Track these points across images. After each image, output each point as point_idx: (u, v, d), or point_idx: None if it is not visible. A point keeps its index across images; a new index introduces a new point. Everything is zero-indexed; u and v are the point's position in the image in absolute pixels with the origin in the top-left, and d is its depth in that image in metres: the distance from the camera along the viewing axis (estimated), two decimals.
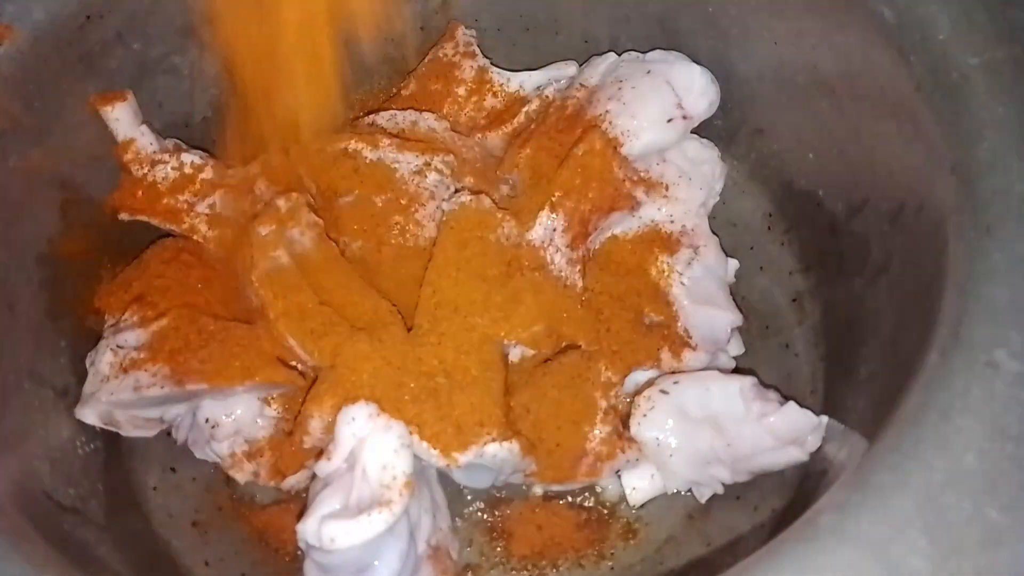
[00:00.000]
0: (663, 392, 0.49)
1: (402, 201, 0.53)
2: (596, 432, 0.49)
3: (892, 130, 0.48)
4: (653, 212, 0.54)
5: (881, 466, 0.36)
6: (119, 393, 0.49)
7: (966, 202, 0.41)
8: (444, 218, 0.51)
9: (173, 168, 0.55)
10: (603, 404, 0.49)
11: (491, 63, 0.61)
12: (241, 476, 0.51)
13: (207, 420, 0.50)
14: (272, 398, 0.51)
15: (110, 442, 0.53)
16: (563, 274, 0.51)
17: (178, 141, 0.57)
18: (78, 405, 0.50)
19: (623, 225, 0.54)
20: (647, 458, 0.50)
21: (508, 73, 0.61)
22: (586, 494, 0.53)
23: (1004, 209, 0.40)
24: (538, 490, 0.53)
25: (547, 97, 0.58)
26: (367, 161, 0.53)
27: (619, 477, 0.51)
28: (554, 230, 0.51)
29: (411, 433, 0.45)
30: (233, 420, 0.50)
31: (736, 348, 0.54)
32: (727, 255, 0.55)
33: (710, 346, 0.52)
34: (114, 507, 0.51)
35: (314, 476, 0.46)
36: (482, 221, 0.51)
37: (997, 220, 0.40)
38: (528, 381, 0.49)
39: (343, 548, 0.41)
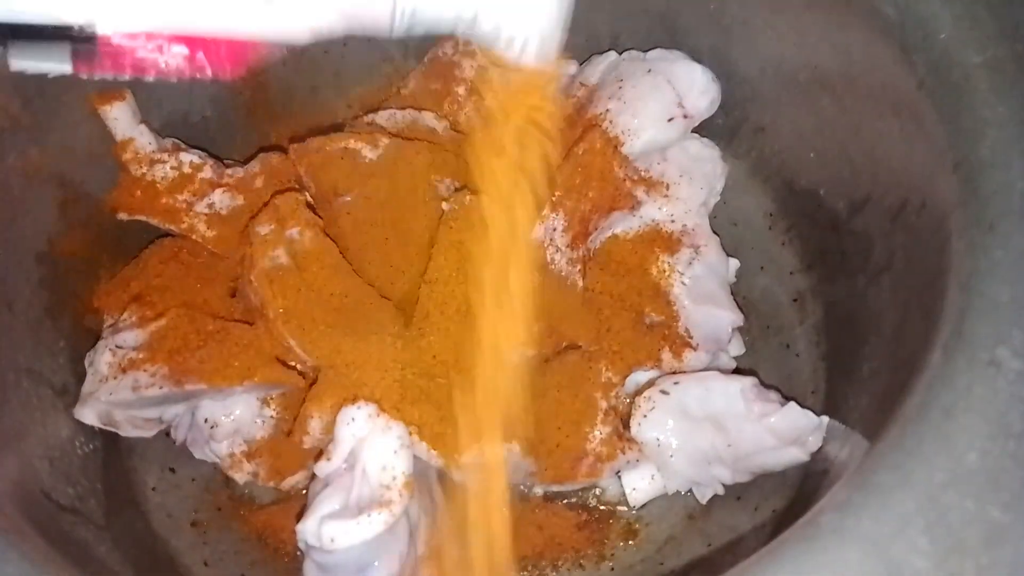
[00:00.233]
0: (664, 392, 0.48)
1: (402, 200, 0.53)
2: (596, 432, 0.49)
3: (894, 128, 0.48)
4: (654, 211, 0.54)
5: (883, 465, 0.36)
6: (118, 393, 0.49)
7: (968, 200, 0.41)
8: (444, 218, 0.51)
9: (172, 167, 0.55)
10: (603, 404, 0.49)
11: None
12: (240, 476, 0.51)
13: (206, 420, 0.50)
14: (271, 398, 0.51)
15: (109, 442, 0.53)
16: (563, 274, 0.51)
17: (177, 140, 0.57)
18: (77, 405, 0.50)
19: (624, 224, 0.53)
20: (647, 458, 0.49)
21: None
22: (586, 494, 0.53)
23: (1006, 207, 0.40)
24: (538, 490, 0.52)
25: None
26: (366, 160, 0.53)
27: (619, 477, 0.51)
28: (554, 229, 0.51)
29: (411, 433, 0.45)
30: (232, 420, 0.50)
31: (737, 348, 0.54)
32: (728, 254, 0.55)
33: (711, 346, 0.51)
34: (113, 507, 0.51)
35: (314, 476, 0.46)
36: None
37: (999, 218, 0.40)
38: (528, 381, 0.49)
39: (343, 548, 0.41)
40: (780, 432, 0.47)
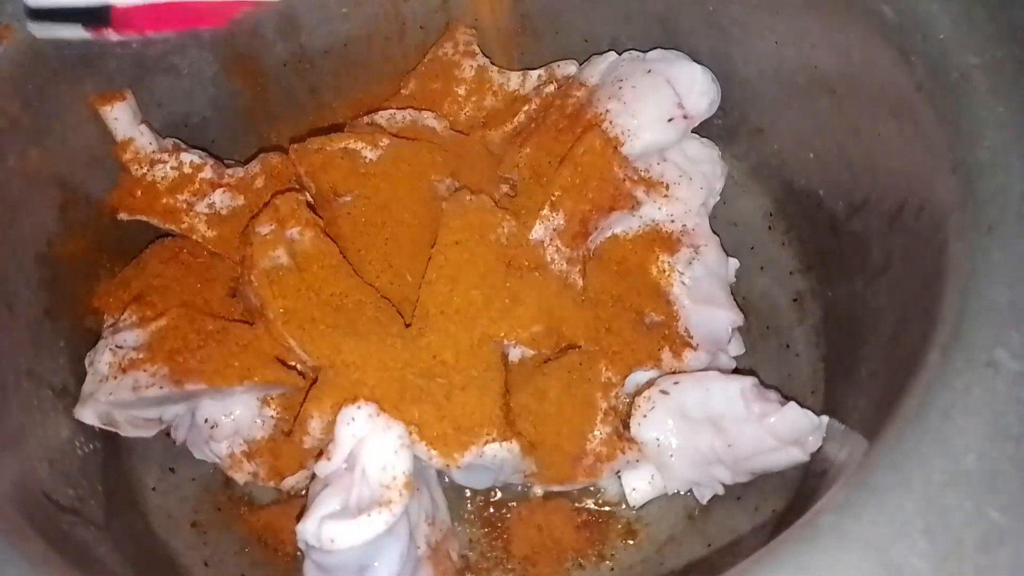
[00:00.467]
0: (663, 392, 0.48)
1: (402, 201, 0.53)
2: (596, 433, 0.49)
3: (893, 129, 0.48)
4: (653, 212, 0.54)
5: (882, 466, 0.36)
6: (118, 393, 0.49)
7: (967, 201, 0.41)
8: (444, 217, 0.51)
9: (172, 168, 0.55)
10: (603, 405, 0.49)
11: (491, 62, 0.61)
12: (240, 476, 0.51)
13: (206, 420, 0.50)
14: (271, 398, 0.51)
15: (109, 442, 0.53)
16: (563, 274, 0.51)
17: (177, 140, 0.57)
18: (77, 405, 0.50)
19: (623, 225, 0.53)
20: (647, 459, 0.49)
21: (508, 72, 0.61)
22: (586, 494, 0.53)
23: (1005, 208, 0.40)
24: (538, 490, 0.52)
25: (547, 96, 0.58)
26: (366, 160, 0.53)
27: (619, 478, 0.51)
28: (554, 230, 0.51)
29: (411, 433, 0.45)
30: (232, 420, 0.50)
31: (736, 348, 0.54)
32: (728, 255, 0.55)
33: (711, 346, 0.52)
34: (113, 507, 0.51)
35: (313, 476, 0.46)
36: (482, 221, 0.51)
37: (998, 219, 0.40)
38: (528, 381, 0.49)
39: (343, 548, 0.41)
40: (780, 432, 0.47)
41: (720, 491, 0.50)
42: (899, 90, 0.46)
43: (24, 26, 0.50)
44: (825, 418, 0.47)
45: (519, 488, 0.53)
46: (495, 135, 0.58)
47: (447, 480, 0.51)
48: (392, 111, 0.58)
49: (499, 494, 0.53)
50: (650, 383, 0.50)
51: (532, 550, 0.51)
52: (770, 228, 0.60)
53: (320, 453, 0.45)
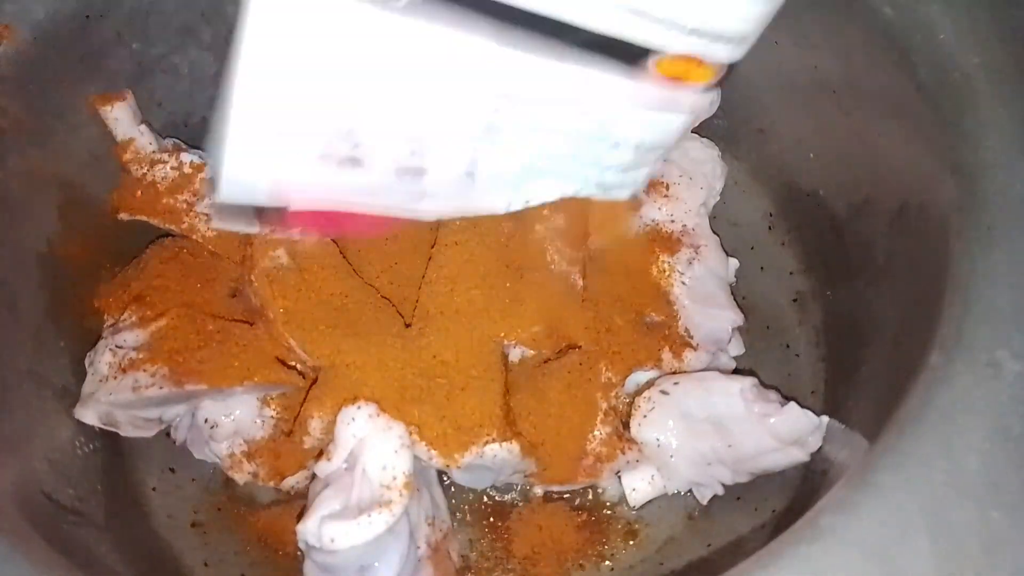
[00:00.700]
0: (664, 393, 0.48)
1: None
2: (596, 433, 0.49)
3: (893, 130, 0.48)
4: (654, 212, 0.54)
5: (882, 467, 0.36)
6: (118, 393, 0.49)
7: (968, 202, 0.41)
8: (444, 218, 0.51)
9: (172, 168, 0.55)
10: (603, 405, 0.49)
11: None
12: (240, 476, 0.51)
13: (206, 420, 0.50)
14: (271, 398, 0.51)
15: (109, 442, 0.53)
16: (563, 274, 0.51)
17: (177, 141, 0.57)
18: (77, 405, 0.50)
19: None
20: (647, 459, 0.49)
21: None
22: (586, 495, 0.53)
23: (1006, 209, 0.40)
24: (538, 490, 0.52)
25: None
26: None
27: (619, 478, 0.51)
28: (554, 230, 0.51)
29: (411, 434, 0.45)
30: (232, 420, 0.50)
31: (737, 348, 0.54)
32: (728, 255, 0.55)
33: (711, 346, 0.51)
34: (114, 507, 0.51)
35: (314, 476, 0.46)
36: (482, 221, 0.51)
37: (999, 220, 0.40)
38: (528, 381, 0.49)
39: (343, 548, 0.41)
40: (780, 432, 0.47)
41: (720, 491, 0.50)
42: (900, 91, 0.46)
43: (24, 26, 0.50)
44: (825, 418, 0.47)
45: (519, 488, 0.53)
46: None
47: (447, 480, 0.51)
48: None
49: (499, 494, 0.53)
50: (650, 383, 0.50)
51: (532, 550, 0.51)
52: (770, 228, 0.60)
53: (320, 453, 0.45)
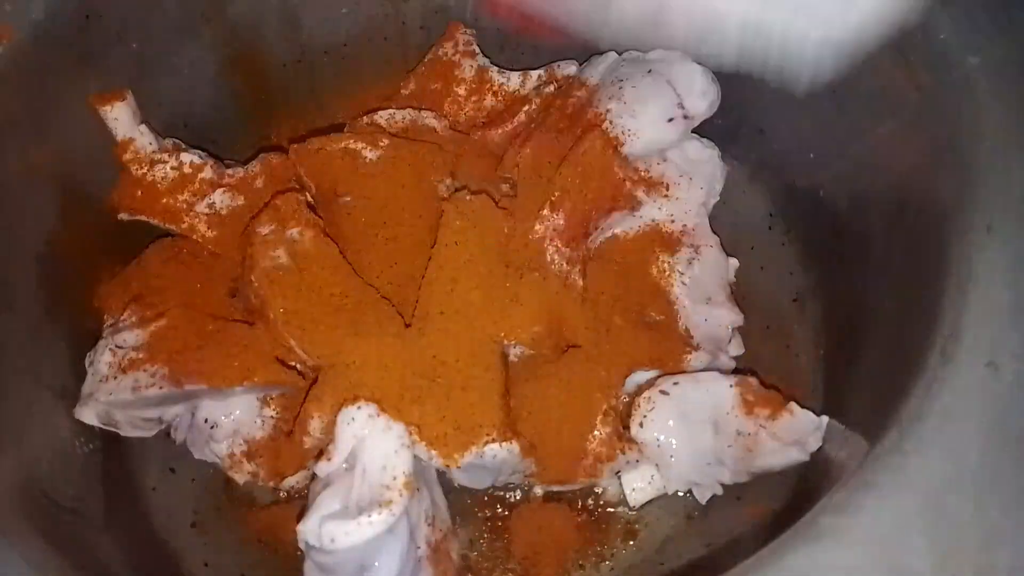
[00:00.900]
0: (663, 393, 0.48)
1: (402, 201, 0.53)
2: (596, 433, 0.49)
3: (893, 129, 0.48)
4: (654, 211, 0.54)
5: (882, 467, 0.36)
6: (118, 393, 0.49)
7: (967, 201, 0.41)
8: (444, 217, 0.51)
9: (172, 168, 0.55)
10: (603, 405, 0.49)
11: (491, 62, 0.61)
12: (240, 476, 0.51)
13: (206, 420, 0.50)
14: (271, 398, 0.51)
15: (109, 442, 0.53)
16: (563, 274, 0.51)
17: (177, 140, 0.57)
18: (77, 405, 0.50)
19: (624, 224, 0.53)
20: (647, 459, 0.49)
21: (508, 72, 0.61)
22: (586, 495, 0.53)
23: (1005, 208, 0.40)
24: (538, 490, 0.52)
25: (547, 96, 0.58)
26: (367, 160, 0.53)
27: (619, 478, 0.51)
28: (554, 230, 0.51)
29: (411, 434, 0.45)
30: (232, 420, 0.50)
31: (736, 348, 0.54)
32: (728, 254, 0.55)
33: (711, 346, 0.51)
34: (113, 507, 0.51)
35: (314, 476, 0.46)
36: (482, 220, 0.51)
37: (998, 219, 0.40)
38: (528, 382, 0.49)
39: (343, 548, 0.41)
40: (780, 433, 0.47)
41: (719, 491, 0.50)
42: (899, 90, 0.46)
43: (24, 25, 0.50)
44: (825, 418, 0.47)
45: (519, 488, 0.53)
46: (495, 135, 0.58)
47: (448, 480, 0.51)
48: (392, 111, 0.58)
49: (499, 494, 0.53)
50: (650, 383, 0.50)
51: (532, 550, 0.51)
52: (770, 228, 0.60)
53: (320, 453, 0.45)
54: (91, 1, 0.52)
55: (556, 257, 0.51)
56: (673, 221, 0.54)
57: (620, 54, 0.57)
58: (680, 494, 0.52)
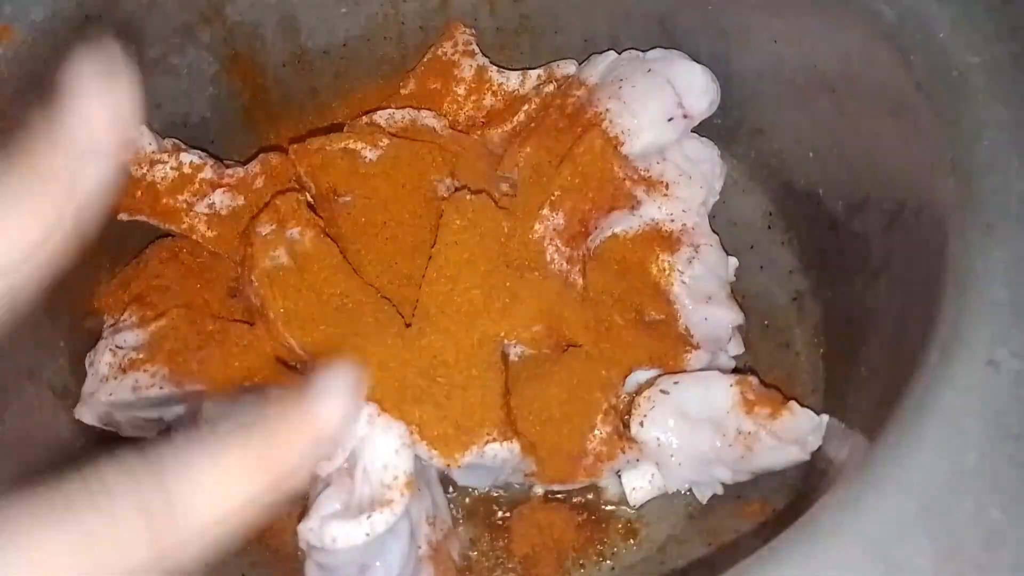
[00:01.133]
0: (663, 392, 0.48)
1: (402, 200, 0.53)
2: (596, 432, 0.49)
3: (892, 129, 0.48)
4: (653, 211, 0.54)
5: (882, 465, 0.36)
6: (118, 394, 0.49)
7: (966, 201, 0.41)
8: (444, 217, 0.51)
9: (172, 168, 0.55)
10: (603, 404, 0.49)
11: (490, 62, 0.61)
12: None
13: (206, 421, 0.50)
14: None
15: (110, 442, 0.53)
16: (563, 273, 0.51)
17: (177, 141, 0.57)
18: (77, 405, 0.50)
19: (623, 224, 0.53)
20: (647, 458, 0.49)
21: (507, 72, 0.61)
22: (586, 494, 0.53)
23: (1004, 207, 0.40)
24: (538, 490, 0.52)
25: (547, 96, 0.58)
26: (366, 160, 0.53)
27: (619, 477, 0.51)
28: (554, 229, 0.51)
29: (411, 433, 0.45)
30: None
31: (736, 348, 0.54)
32: (727, 254, 0.55)
33: (711, 345, 0.52)
34: None
35: (314, 476, 0.46)
36: (482, 220, 0.51)
37: (998, 218, 0.40)
38: (528, 381, 0.49)
39: (344, 548, 0.41)
40: (780, 431, 0.47)
41: (720, 490, 0.50)
42: (898, 89, 0.46)
43: (23, 26, 0.50)
44: (825, 417, 0.47)
45: (520, 488, 0.53)
46: (495, 135, 0.58)
47: (448, 480, 0.51)
48: (391, 110, 0.58)
49: (500, 494, 0.53)
50: (650, 382, 0.50)
51: (533, 549, 0.51)
52: (770, 227, 0.60)
53: None
54: (91, 2, 0.52)
55: (556, 256, 0.51)
56: (673, 220, 0.54)
57: (619, 53, 0.57)
58: (680, 493, 0.52)
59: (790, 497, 0.50)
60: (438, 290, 0.49)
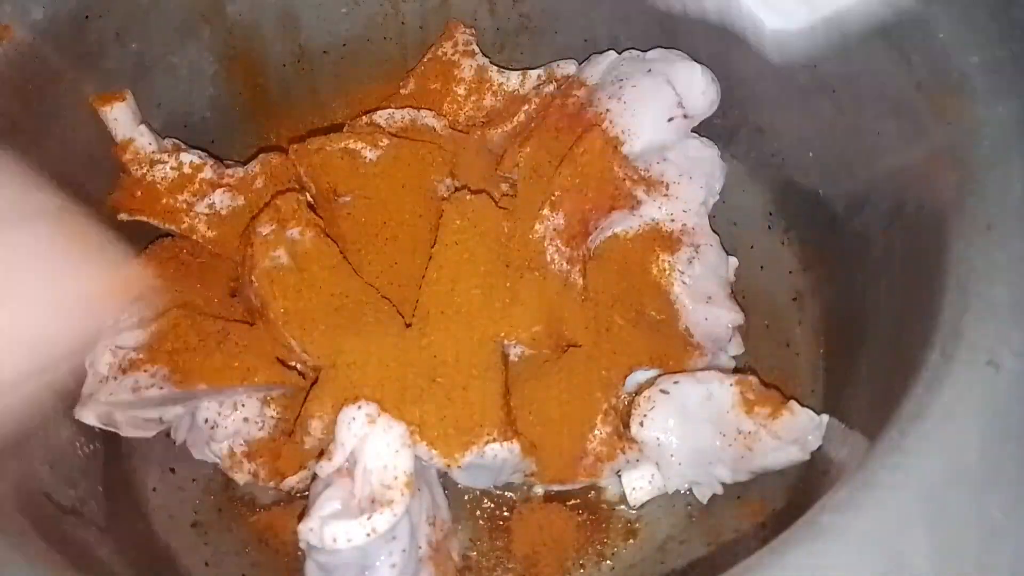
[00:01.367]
0: (663, 392, 0.48)
1: (402, 200, 0.53)
2: (597, 432, 0.49)
3: (892, 128, 0.48)
4: (653, 211, 0.54)
5: (882, 465, 0.36)
6: (118, 394, 0.49)
7: (966, 200, 0.41)
8: (444, 217, 0.51)
9: (172, 168, 0.55)
10: (604, 404, 0.49)
11: (490, 62, 0.61)
12: (240, 477, 0.51)
13: (206, 421, 0.50)
14: (271, 398, 0.51)
15: (110, 443, 0.53)
16: (563, 273, 0.51)
17: (177, 141, 0.57)
18: (77, 406, 0.50)
19: (624, 224, 0.53)
20: (647, 458, 0.49)
21: (508, 72, 0.61)
22: (586, 494, 0.53)
23: (1004, 207, 0.40)
24: (538, 490, 0.52)
25: (547, 96, 0.58)
26: (366, 160, 0.53)
27: (619, 477, 0.51)
28: (554, 229, 0.51)
29: (412, 433, 0.45)
30: (232, 421, 0.50)
31: (736, 347, 0.54)
32: (727, 254, 0.55)
33: (711, 345, 0.52)
34: (114, 508, 0.51)
35: (315, 477, 0.46)
36: (482, 220, 0.51)
37: (997, 218, 0.40)
38: (528, 381, 0.49)
39: (345, 548, 0.41)
40: (780, 431, 0.47)
41: (720, 490, 0.50)
42: (899, 89, 0.46)
43: (23, 26, 0.50)
44: (825, 417, 0.48)
45: (520, 488, 0.53)
46: (495, 135, 0.58)
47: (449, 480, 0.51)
48: (391, 110, 0.58)
49: (500, 494, 0.53)
50: (650, 382, 0.50)
51: (533, 549, 0.51)
52: (770, 227, 0.60)
53: (321, 453, 0.45)
54: (91, 1, 0.52)
55: (556, 256, 0.51)
56: (673, 220, 0.54)
57: (619, 53, 0.57)
58: (680, 493, 0.52)
59: (790, 497, 0.50)
60: (438, 290, 0.49)
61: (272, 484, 0.51)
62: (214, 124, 0.61)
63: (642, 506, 0.52)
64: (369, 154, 0.54)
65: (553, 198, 0.51)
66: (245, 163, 0.57)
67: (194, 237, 0.54)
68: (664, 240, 0.53)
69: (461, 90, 0.60)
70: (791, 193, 0.59)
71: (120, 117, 0.54)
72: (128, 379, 0.49)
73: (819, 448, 0.47)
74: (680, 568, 0.51)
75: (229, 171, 0.56)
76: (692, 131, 0.55)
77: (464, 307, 0.48)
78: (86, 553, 0.46)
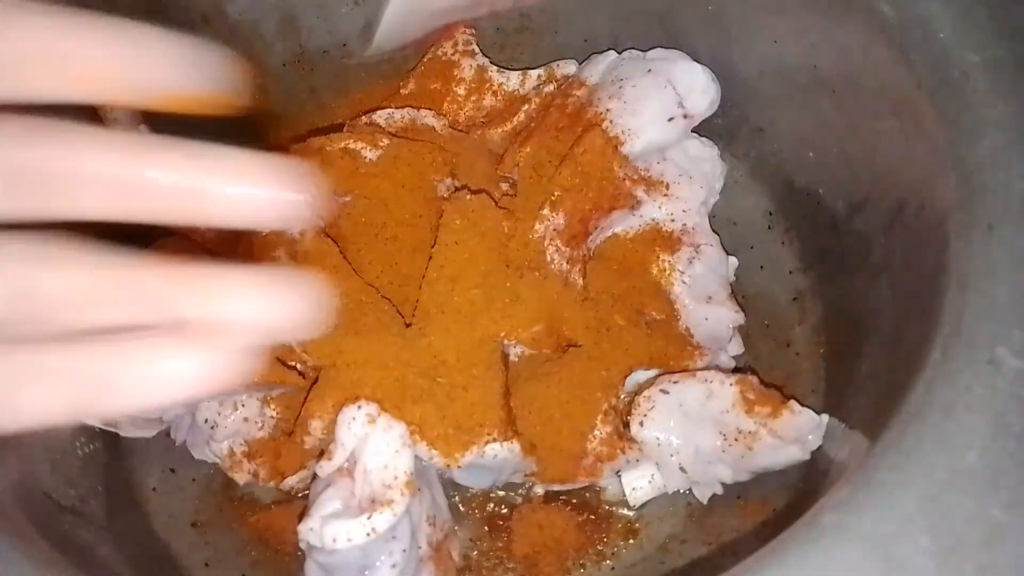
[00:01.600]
0: (663, 392, 0.48)
1: (402, 201, 0.53)
2: (597, 432, 0.49)
3: (893, 128, 0.48)
4: (654, 211, 0.54)
5: (883, 465, 0.36)
6: None
7: (967, 200, 0.41)
8: (444, 217, 0.51)
9: None
10: (603, 404, 0.49)
11: (490, 62, 0.61)
12: (240, 477, 0.51)
13: (206, 420, 0.50)
14: (271, 398, 0.51)
15: (110, 442, 0.53)
16: (563, 273, 0.51)
17: None
18: None
19: (624, 224, 0.53)
20: (647, 458, 0.49)
21: (508, 72, 0.61)
22: (586, 494, 0.53)
23: (1005, 206, 0.40)
24: (538, 490, 0.52)
25: (547, 96, 0.58)
26: (366, 160, 0.53)
27: (619, 477, 0.51)
28: (554, 229, 0.51)
29: (412, 433, 0.45)
30: (232, 420, 0.50)
31: (736, 347, 0.54)
32: (728, 253, 0.55)
33: (711, 344, 0.52)
34: (114, 508, 0.51)
35: (315, 476, 0.46)
36: (482, 220, 0.51)
37: (998, 218, 0.40)
38: (528, 381, 0.49)
39: (345, 548, 0.41)
40: (780, 431, 0.47)
41: (720, 490, 0.50)
42: (899, 89, 0.46)
43: None
44: (825, 416, 0.47)
45: (520, 488, 0.53)
46: (495, 134, 0.58)
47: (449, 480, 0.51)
48: (391, 110, 0.58)
49: (500, 494, 0.53)
50: (650, 382, 0.50)
51: (533, 549, 0.51)
52: (770, 227, 0.60)
53: (321, 453, 0.45)
54: (90, 1, 0.52)
55: (556, 256, 0.51)
56: (673, 220, 0.54)
57: (620, 53, 0.57)
58: (681, 493, 0.52)
59: (790, 497, 0.50)
60: (438, 290, 0.49)
61: (272, 484, 0.51)
62: (213, 124, 0.61)
63: (642, 506, 0.52)
64: (369, 154, 0.53)
65: (553, 198, 0.51)
66: None
67: (194, 237, 0.54)
68: (664, 240, 0.53)
69: (461, 90, 0.60)
70: (791, 193, 0.59)
71: (120, 117, 0.54)
72: None
73: (819, 448, 0.47)
74: (681, 568, 0.51)
75: None
76: (692, 131, 0.55)
77: (464, 307, 0.48)
78: (86, 552, 0.46)
